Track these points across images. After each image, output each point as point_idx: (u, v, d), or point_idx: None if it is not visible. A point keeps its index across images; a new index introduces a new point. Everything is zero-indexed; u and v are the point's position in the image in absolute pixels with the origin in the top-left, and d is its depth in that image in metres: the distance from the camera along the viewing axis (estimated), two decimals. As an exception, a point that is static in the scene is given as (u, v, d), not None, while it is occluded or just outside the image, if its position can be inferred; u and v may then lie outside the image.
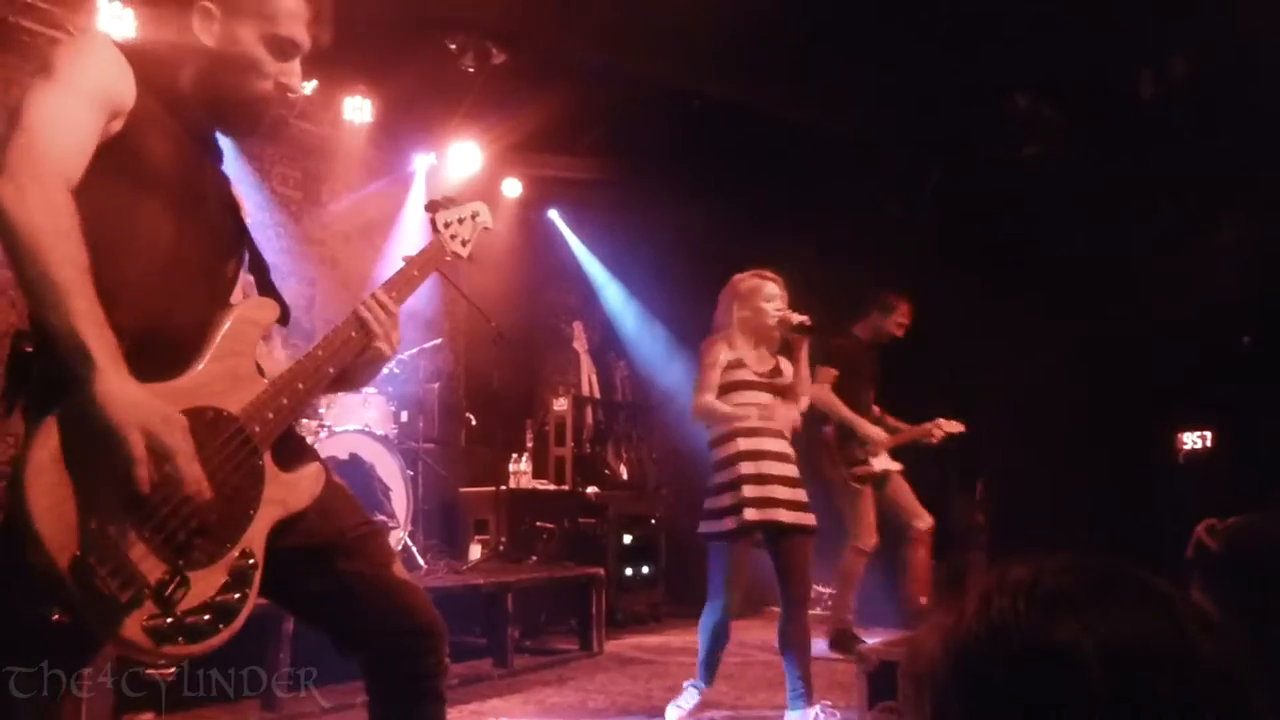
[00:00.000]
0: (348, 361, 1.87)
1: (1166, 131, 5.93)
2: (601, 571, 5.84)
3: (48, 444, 1.41)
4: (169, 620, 1.50)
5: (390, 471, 4.90)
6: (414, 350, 5.98)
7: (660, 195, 7.30)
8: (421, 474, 5.77)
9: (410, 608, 1.88)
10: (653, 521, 7.21)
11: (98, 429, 1.41)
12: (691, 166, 7.08)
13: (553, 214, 8.43)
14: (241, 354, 1.71)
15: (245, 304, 1.78)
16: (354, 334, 1.87)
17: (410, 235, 7.29)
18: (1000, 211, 6.58)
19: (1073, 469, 6.00)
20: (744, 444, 3.82)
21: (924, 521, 5.41)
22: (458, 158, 7.36)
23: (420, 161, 7.44)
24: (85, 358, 1.41)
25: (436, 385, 6.64)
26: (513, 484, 6.77)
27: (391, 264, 7.10)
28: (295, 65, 1.85)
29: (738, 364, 3.91)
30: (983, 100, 6.23)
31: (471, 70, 6.27)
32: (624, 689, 4.67)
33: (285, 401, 1.72)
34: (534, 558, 6.04)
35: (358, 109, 6.76)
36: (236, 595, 1.60)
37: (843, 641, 5.28)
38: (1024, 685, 0.70)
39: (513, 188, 7.99)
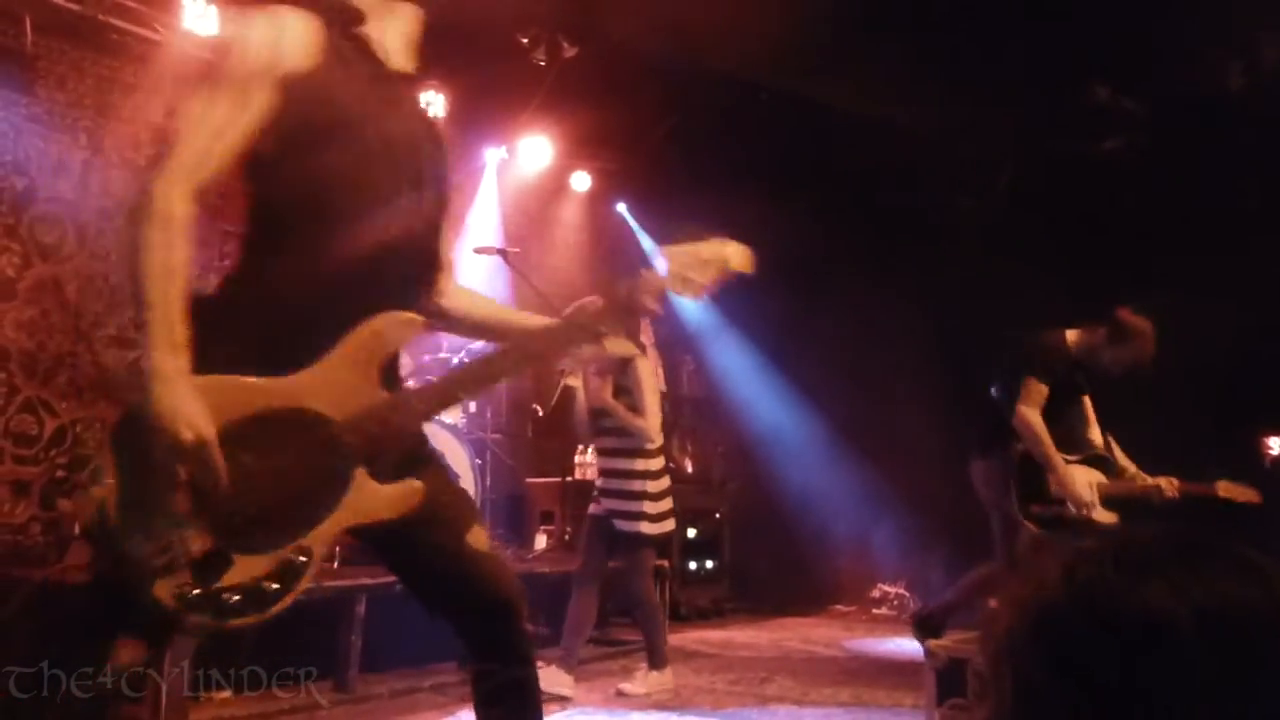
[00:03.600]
0: (480, 391, 1.94)
1: (1256, 124, 5.72)
2: (666, 564, 5.84)
3: (126, 410, 1.61)
4: (198, 591, 1.60)
5: (459, 461, 4.98)
6: (483, 343, 6.03)
7: (728, 188, 7.26)
8: (489, 464, 5.85)
9: (486, 578, 1.91)
10: (717, 516, 7.20)
11: (154, 423, 1.55)
12: (759, 159, 7.04)
13: (621, 207, 8.46)
14: (367, 365, 1.74)
15: (385, 317, 1.76)
16: (510, 365, 1.93)
17: (480, 228, 7.38)
18: (1077, 207, 6.42)
19: (1153, 472, 5.83)
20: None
21: None
22: (528, 151, 7.43)
23: (491, 155, 7.52)
24: (154, 358, 1.56)
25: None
26: (578, 475, 6.81)
27: (464, 256, 7.20)
28: None
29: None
30: (1061, 91, 6.08)
31: (543, 64, 6.32)
32: (687, 682, 4.68)
33: (396, 420, 1.75)
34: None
35: (431, 104, 6.85)
36: (276, 586, 1.66)
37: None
38: (1114, 650, 0.69)
39: (581, 181, 8.03)
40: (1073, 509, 4.19)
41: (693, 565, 6.86)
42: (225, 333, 1.67)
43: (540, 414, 7.15)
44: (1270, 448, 5.70)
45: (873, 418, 6.84)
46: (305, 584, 1.69)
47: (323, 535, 1.69)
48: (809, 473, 7.42)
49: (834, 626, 6.73)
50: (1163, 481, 4.37)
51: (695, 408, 8.05)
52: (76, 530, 4.51)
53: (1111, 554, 0.72)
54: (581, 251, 7.99)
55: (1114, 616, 0.70)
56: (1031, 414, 4.17)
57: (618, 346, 2.75)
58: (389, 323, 1.76)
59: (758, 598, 7.28)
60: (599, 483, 4.53)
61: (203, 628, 1.68)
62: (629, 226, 8.49)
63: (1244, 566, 0.71)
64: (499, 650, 1.91)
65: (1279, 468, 5.76)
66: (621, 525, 4.34)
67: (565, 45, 6.27)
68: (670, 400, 7.85)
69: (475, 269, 6.86)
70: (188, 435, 1.54)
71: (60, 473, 5.18)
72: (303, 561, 1.67)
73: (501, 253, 5.35)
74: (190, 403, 1.56)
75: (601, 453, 4.53)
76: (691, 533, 6.87)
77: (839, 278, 7.00)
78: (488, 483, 5.69)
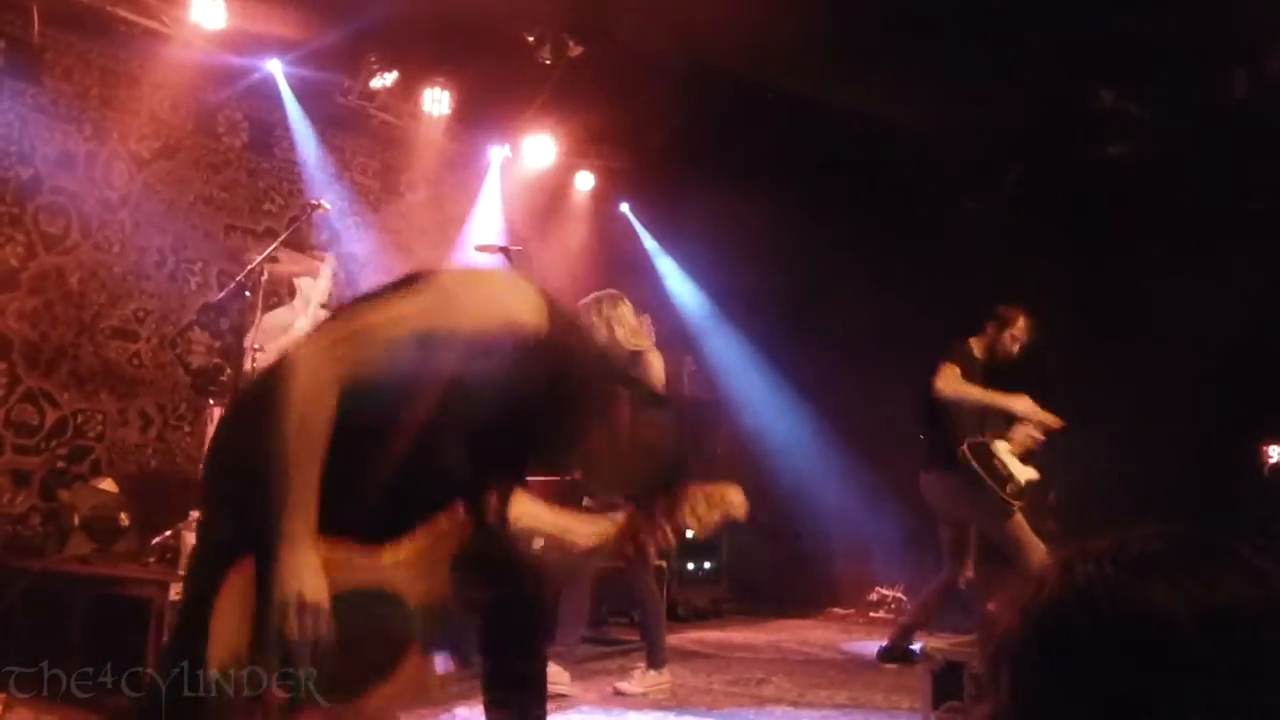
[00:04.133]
0: None
1: (1260, 131, 5.72)
2: (664, 565, 5.85)
3: (247, 571, 1.69)
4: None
5: (459, 457, 4.98)
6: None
7: (733, 189, 7.27)
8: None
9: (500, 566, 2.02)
10: (716, 517, 7.19)
11: (271, 576, 1.66)
12: (765, 161, 7.04)
13: (624, 208, 8.46)
14: (441, 558, 1.85)
15: (456, 517, 1.89)
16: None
17: (484, 227, 7.39)
18: (1082, 210, 6.42)
19: (1152, 478, 5.84)
20: None
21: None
22: (532, 149, 7.43)
23: (495, 153, 7.52)
24: (280, 527, 1.67)
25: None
26: (577, 475, 6.82)
27: (466, 254, 7.20)
28: None
29: None
30: (1066, 96, 6.08)
31: (548, 62, 6.32)
32: (685, 681, 4.68)
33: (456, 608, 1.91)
34: (597, 548, 6.07)
35: (436, 100, 6.85)
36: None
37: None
38: (1115, 650, 0.68)
39: (585, 180, 8.04)
40: (1018, 478, 4.62)
41: (691, 566, 6.87)
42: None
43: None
44: (1270, 455, 5.69)
45: (872, 420, 6.83)
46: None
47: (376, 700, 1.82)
48: (808, 474, 7.42)
49: (831, 628, 6.73)
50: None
51: (695, 409, 8.05)
52: (76, 521, 4.53)
53: (1111, 554, 0.72)
54: (584, 251, 8.00)
55: (1114, 616, 0.69)
56: (952, 379, 4.68)
57: None
58: (460, 524, 1.89)
59: (756, 599, 7.28)
60: None
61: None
62: (632, 226, 8.50)
63: (1244, 566, 0.71)
64: (509, 643, 1.99)
65: (1278, 475, 5.76)
66: None
67: (571, 44, 6.27)
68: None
69: (478, 266, 6.87)
70: (309, 597, 1.66)
71: (60, 463, 5.19)
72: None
73: (504, 251, 5.34)
74: (316, 568, 1.68)
75: None
76: (690, 533, 6.87)
77: (841, 279, 7.00)
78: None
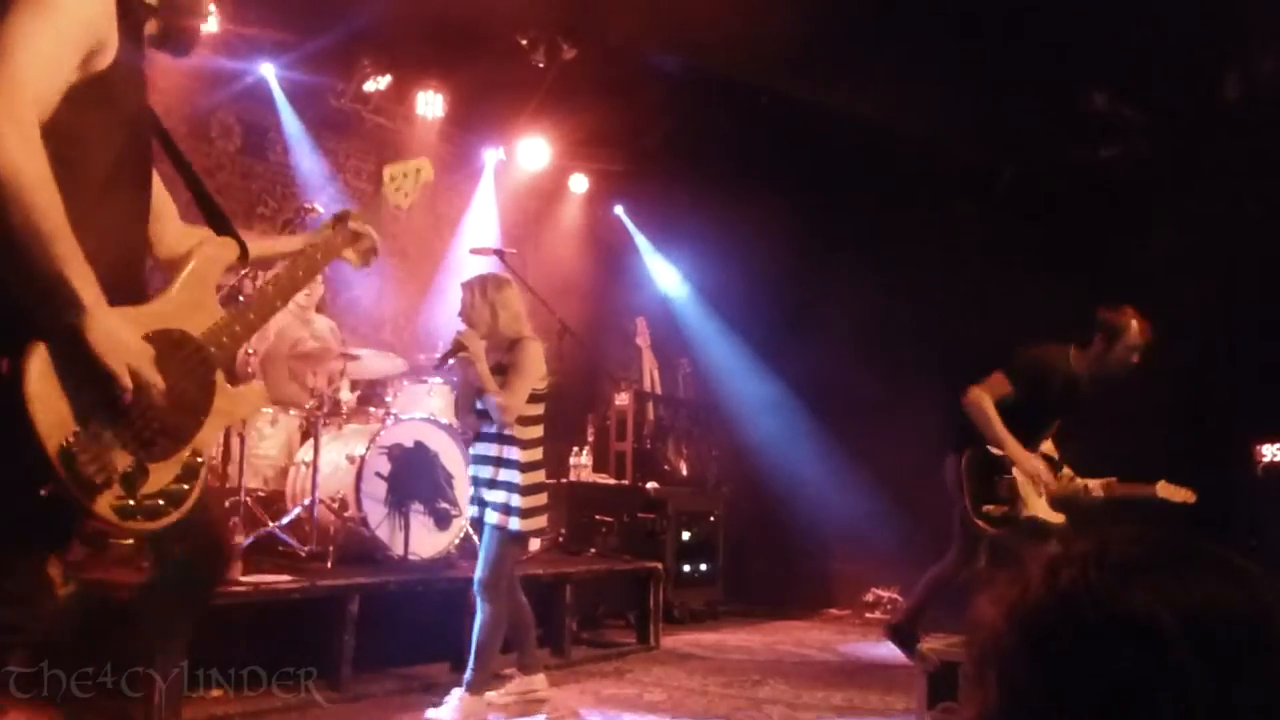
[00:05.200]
0: (292, 295, 2.26)
1: (1252, 133, 5.74)
2: (660, 566, 5.85)
3: (37, 364, 1.64)
4: (131, 502, 1.80)
5: (454, 460, 4.97)
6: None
7: (727, 192, 7.28)
8: (484, 464, 5.84)
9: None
10: (712, 519, 7.20)
11: (89, 361, 1.66)
12: (759, 163, 7.06)
13: (618, 209, 8.47)
14: (205, 286, 2.00)
15: (210, 242, 2.05)
16: (301, 274, 2.21)
17: (478, 228, 7.39)
18: (1075, 213, 6.43)
19: (1146, 478, 5.84)
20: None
21: None
22: (526, 152, 7.44)
23: (489, 156, 7.53)
24: (74, 301, 1.64)
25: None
26: (573, 477, 6.82)
27: (460, 257, 7.19)
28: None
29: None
30: (1059, 99, 6.09)
31: (542, 65, 6.33)
32: (680, 684, 4.68)
33: (238, 329, 2.02)
34: (593, 551, 6.08)
35: (429, 104, 6.86)
36: (185, 486, 1.90)
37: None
38: (1099, 654, 0.69)
39: (579, 183, 8.04)
40: (1020, 508, 4.33)
41: (687, 568, 6.87)
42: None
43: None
44: (1263, 455, 5.71)
45: (867, 422, 6.84)
46: (204, 480, 1.95)
47: (207, 437, 1.96)
48: (803, 476, 7.43)
49: (827, 630, 6.74)
50: (1090, 482, 4.48)
51: (691, 410, 8.06)
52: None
53: (1095, 557, 0.73)
54: (579, 253, 8.00)
55: (1098, 619, 0.70)
56: (983, 396, 4.31)
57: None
58: (215, 247, 2.05)
59: (752, 600, 7.28)
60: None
61: (140, 531, 1.87)
62: (626, 228, 8.50)
63: (1226, 569, 0.72)
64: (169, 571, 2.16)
65: (1271, 475, 5.78)
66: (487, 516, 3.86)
67: (564, 47, 6.28)
68: (666, 403, 7.86)
69: (472, 269, 6.87)
70: (135, 355, 1.72)
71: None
72: (199, 461, 1.93)
73: (499, 254, 5.35)
74: (123, 329, 1.72)
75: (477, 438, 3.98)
76: (686, 535, 6.88)
77: (836, 281, 7.01)
78: (482, 483, 5.68)
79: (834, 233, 7.11)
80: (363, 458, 4.59)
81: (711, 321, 8.24)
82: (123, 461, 1.77)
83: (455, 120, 7.07)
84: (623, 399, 7.42)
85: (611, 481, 7.10)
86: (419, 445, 4.83)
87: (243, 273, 4.34)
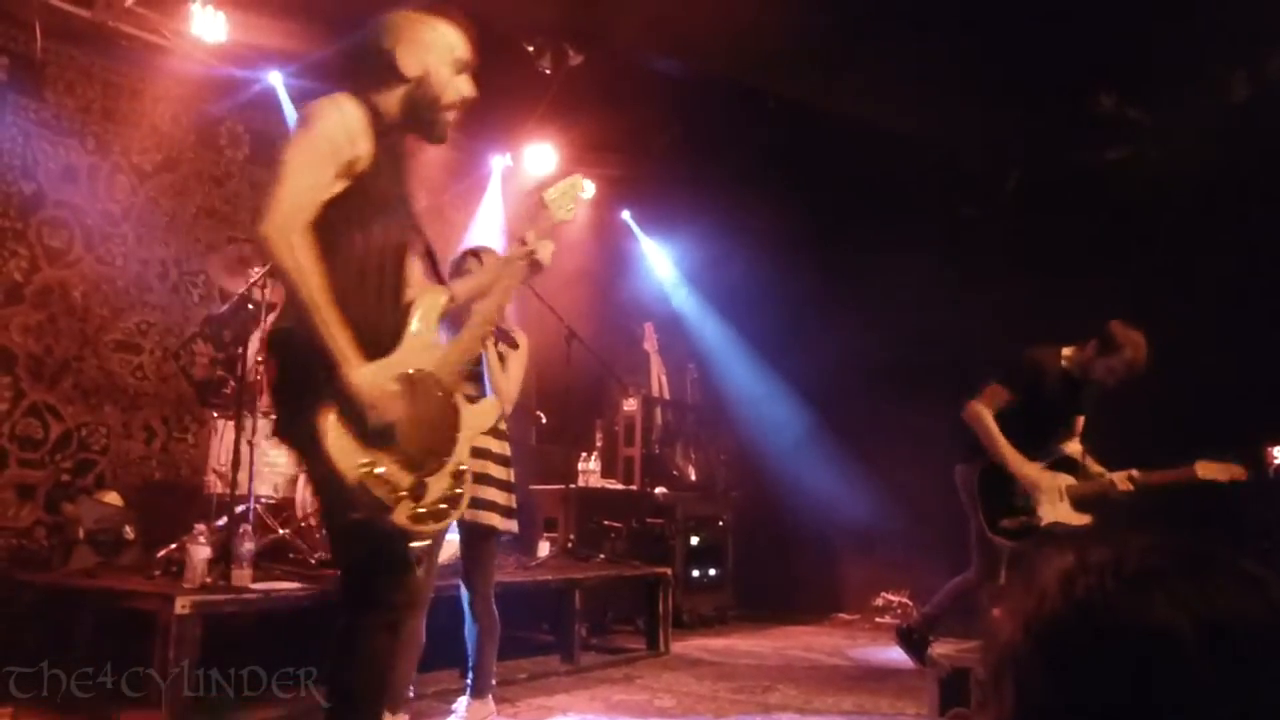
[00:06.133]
0: (497, 322, 2.68)
1: (1260, 133, 5.72)
2: (669, 572, 5.85)
3: (329, 419, 2.15)
4: (422, 510, 2.25)
5: (463, 467, 4.98)
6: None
7: (734, 196, 7.28)
8: (493, 470, 5.85)
9: None
10: (720, 524, 7.19)
11: (353, 405, 2.15)
12: (766, 168, 7.05)
13: (626, 215, 8.47)
14: (429, 328, 2.41)
15: (429, 292, 2.47)
16: (501, 303, 2.62)
17: (486, 234, 7.39)
18: (1082, 215, 6.42)
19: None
20: None
21: None
22: (533, 158, 7.45)
23: (497, 162, 7.54)
24: (336, 360, 2.13)
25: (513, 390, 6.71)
26: (581, 482, 6.82)
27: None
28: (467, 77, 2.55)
29: None
30: (1066, 100, 6.08)
31: (548, 71, 6.34)
32: (690, 689, 4.68)
33: (459, 359, 2.45)
34: (602, 556, 6.08)
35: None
36: (458, 490, 2.37)
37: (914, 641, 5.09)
38: (1117, 663, 0.69)
39: (586, 188, 8.04)
40: (1040, 515, 4.30)
41: (696, 573, 6.86)
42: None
43: (544, 421, 7.16)
44: (1275, 457, 5.67)
45: (876, 425, 6.83)
46: (469, 485, 2.44)
47: (462, 450, 2.40)
48: (813, 481, 7.42)
49: (837, 635, 6.72)
50: (1117, 476, 4.43)
51: (699, 415, 8.06)
52: (80, 535, 4.53)
53: (1111, 566, 0.72)
54: (586, 258, 8.00)
55: (1114, 628, 0.69)
56: (982, 409, 4.32)
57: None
58: (433, 295, 2.45)
59: (761, 605, 7.27)
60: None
61: (434, 533, 2.35)
62: (633, 233, 8.51)
63: (1244, 577, 0.71)
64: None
65: (1284, 478, 5.74)
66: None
67: (571, 53, 6.28)
68: (674, 408, 7.86)
69: (480, 275, 6.88)
70: (378, 396, 2.16)
71: (65, 477, 5.20)
72: (462, 469, 2.39)
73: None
74: (374, 376, 2.18)
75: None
76: (695, 540, 6.87)
77: (844, 285, 7.00)
78: (491, 489, 5.69)
79: (842, 237, 7.10)
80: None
81: (719, 326, 8.23)
82: (406, 480, 2.22)
83: (462, 127, 6.98)
84: (630, 404, 7.42)
85: (620, 487, 7.10)
86: (428, 452, 4.83)
87: (251, 282, 4.36)
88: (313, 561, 4.52)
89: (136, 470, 5.51)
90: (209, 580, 3.82)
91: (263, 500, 4.68)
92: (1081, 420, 4.58)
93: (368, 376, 2.16)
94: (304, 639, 4.01)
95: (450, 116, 2.54)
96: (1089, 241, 6.35)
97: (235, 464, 4.22)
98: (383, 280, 2.35)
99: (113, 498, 4.92)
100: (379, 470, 2.17)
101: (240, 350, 4.47)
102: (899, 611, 7.07)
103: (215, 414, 4.96)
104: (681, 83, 6.51)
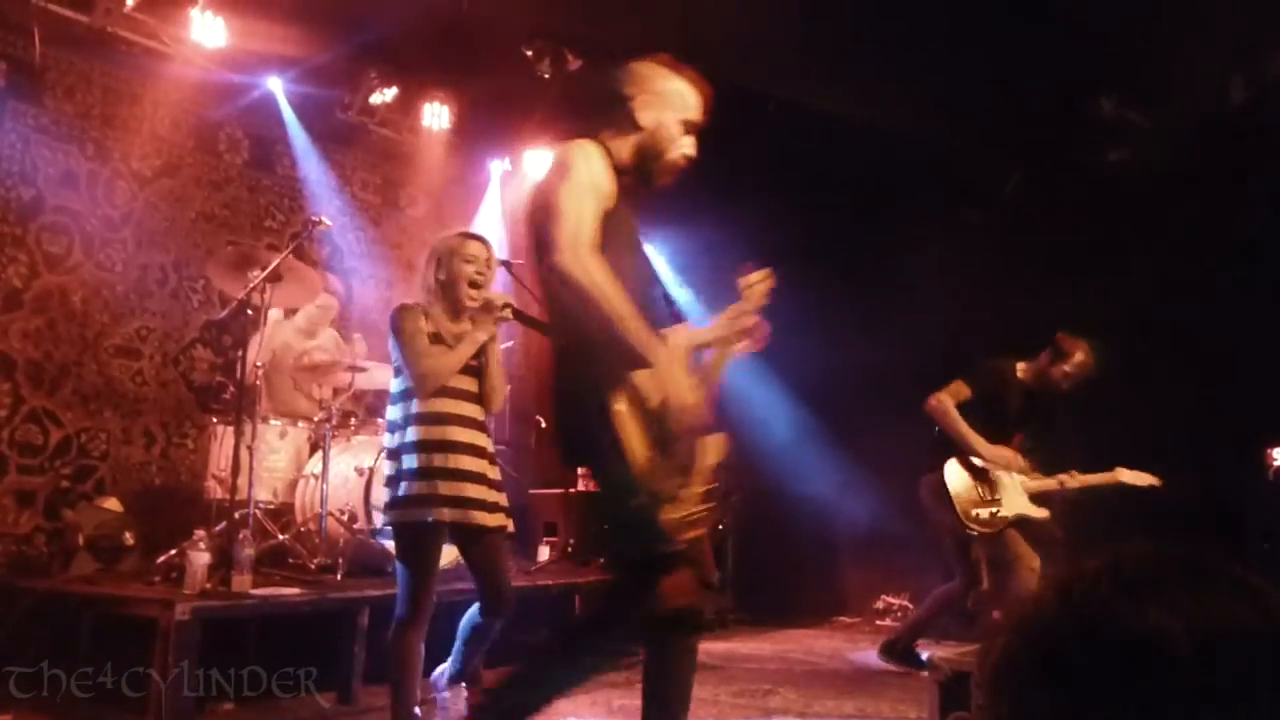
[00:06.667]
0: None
1: (1258, 137, 5.72)
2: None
3: (621, 407, 2.28)
4: (684, 516, 2.33)
5: (463, 471, 4.97)
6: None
7: (731, 197, 7.28)
8: (493, 475, 5.84)
9: None
10: (720, 527, 7.19)
11: (672, 399, 2.31)
12: (763, 169, 7.05)
13: (625, 219, 8.47)
14: (684, 361, 2.51)
15: (677, 329, 2.57)
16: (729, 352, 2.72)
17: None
18: (1082, 218, 6.42)
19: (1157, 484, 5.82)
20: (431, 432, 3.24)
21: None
22: (532, 163, 7.45)
23: (496, 167, 7.55)
24: (652, 356, 2.29)
25: (508, 388, 6.71)
26: (582, 487, 6.81)
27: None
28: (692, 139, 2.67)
29: (435, 338, 3.28)
30: (1065, 104, 6.08)
31: (547, 76, 6.34)
32: (691, 694, 4.66)
33: (701, 390, 2.51)
34: (601, 560, 6.07)
35: (436, 115, 6.88)
36: (711, 503, 2.45)
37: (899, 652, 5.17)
38: (1113, 671, 0.69)
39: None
40: (1005, 507, 4.58)
41: (696, 576, 6.85)
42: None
43: (544, 425, 7.15)
44: (1274, 459, 5.68)
45: (876, 428, 6.83)
46: (714, 502, 2.50)
47: (707, 470, 2.46)
48: (813, 484, 7.41)
49: (838, 638, 6.71)
50: (1062, 476, 4.72)
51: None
52: (80, 541, 4.53)
53: (1107, 574, 0.72)
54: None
55: (1111, 637, 0.70)
56: (944, 399, 4.65)
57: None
58: (679, 333, 2.55)
59: (761, 608, 7.26)
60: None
61: (692, 539, 2.36)
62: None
63: (1240, 587, 0.71)
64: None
65: (1283, 480, 5.75)
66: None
67: (570, 58, 6.29)
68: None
69: (479, 280, 6.88)
70: (694, 397, 2.34)
71: (65, 483, 5.20)
72: (714, 485, 2.47)
73: (505, 264, 5.35)
74: (685, 377, 2.37)
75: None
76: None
77: (845, 289, 7.00)
78: (491, 493, 5.69)
79: (840, 239, 7.10)
80: (371, 469, 4.60)
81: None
82: (673, 484, 2.33)
83: (461, 131, 7.09)
84: (630, 408, 7.41)
85: (620, 491, 7.08)
86: (427, 456, 4.83)
87: (250, 286, 4.36)
88: (312, 566, 4.52)
89: (136, 476, 5.51)
90: (209, 586, 3.82)
91: (262, 505, 4.67)
92: (1020, 439, 4.85)
93: (687, 383, 2.37)
94: (309, 647, 4.03)
95: (669, 174, 2.67)
96: (1089, 244, 6.35)
97: (235, 469, 4.22)
98: (638, 300, 2.43)
99: (112, 504, 4.92)
100: (662, 467, 2.31)
101: (240, 354, 4.46)
102: (900, 615, 7.06)
103: (215, 419, 4.96)
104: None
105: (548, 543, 6.21)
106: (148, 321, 5.63)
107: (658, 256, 8.51)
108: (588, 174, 2.41)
